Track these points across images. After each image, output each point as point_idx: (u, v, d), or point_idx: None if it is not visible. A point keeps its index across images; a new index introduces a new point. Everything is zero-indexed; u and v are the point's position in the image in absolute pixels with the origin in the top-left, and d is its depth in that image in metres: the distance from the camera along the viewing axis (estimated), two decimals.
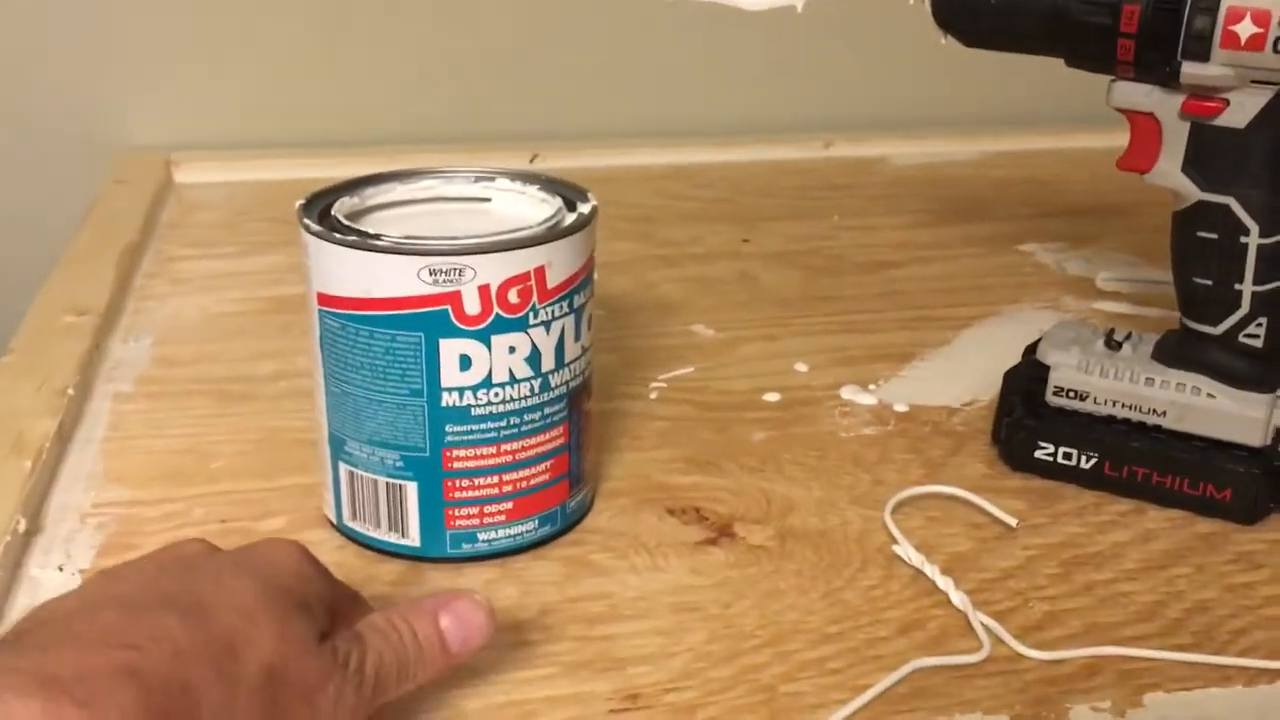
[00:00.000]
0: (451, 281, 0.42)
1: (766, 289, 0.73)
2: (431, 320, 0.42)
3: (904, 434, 0.56)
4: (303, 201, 0.46)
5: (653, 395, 0.59)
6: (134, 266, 0.73)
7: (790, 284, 0.74)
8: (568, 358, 0.45)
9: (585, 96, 1.00)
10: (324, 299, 0.44)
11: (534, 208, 0.47)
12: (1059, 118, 1.03)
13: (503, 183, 0.48)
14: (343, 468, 0.46)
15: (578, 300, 0.44)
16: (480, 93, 0.99)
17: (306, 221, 0.44)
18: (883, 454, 0.54)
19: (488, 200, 0.48)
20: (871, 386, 0.60)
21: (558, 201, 0.46)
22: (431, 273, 0.41)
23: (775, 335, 0.66)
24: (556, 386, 0.44)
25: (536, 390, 0.44)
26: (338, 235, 0.43)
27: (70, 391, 0.56)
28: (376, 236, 0.43)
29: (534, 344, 0.43)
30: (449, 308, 0.42)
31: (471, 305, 0.42)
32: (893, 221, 0.85)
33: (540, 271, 0.43)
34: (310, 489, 0.49)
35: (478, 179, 0.49)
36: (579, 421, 0.46)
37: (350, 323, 0.43)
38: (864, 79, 1.03)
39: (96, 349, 0.62)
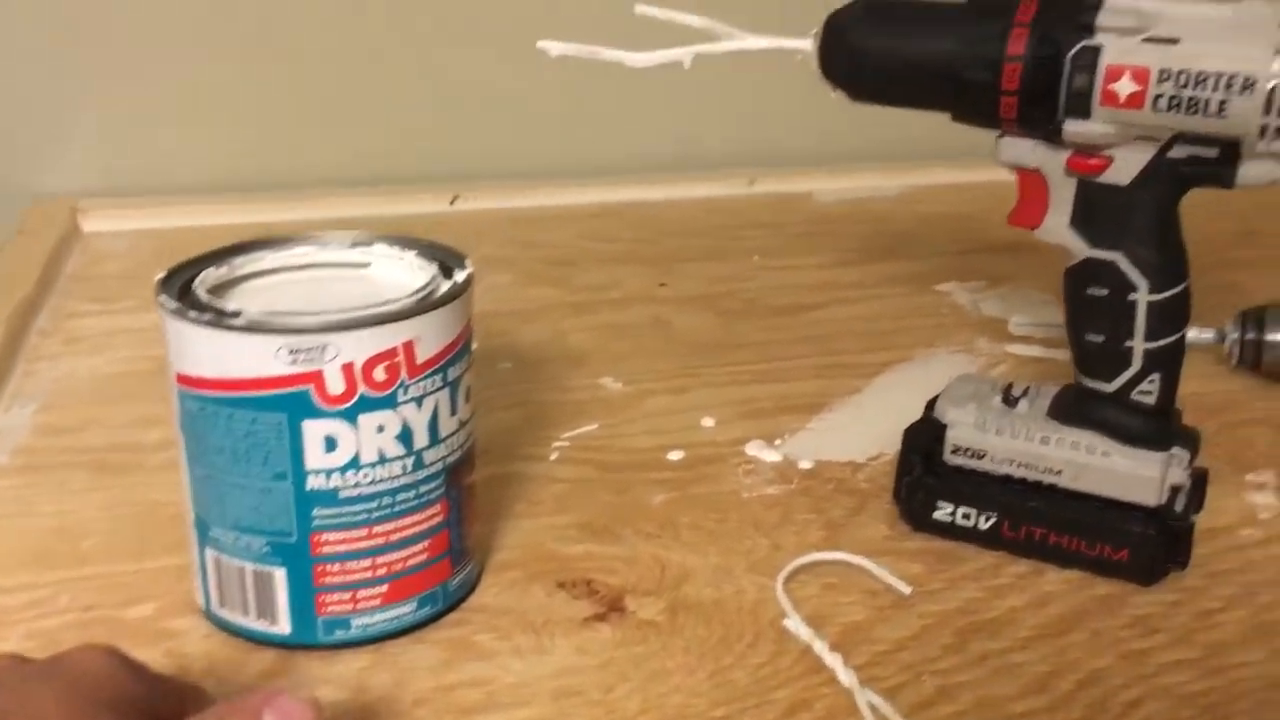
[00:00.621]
0: (313, 360, 0.40)
1: (679, 336, 0.72)
2: (293, 401, 0.41)
3: (807, 493, 0.55)
4: (162, 275, 0.44)
5: (554, 456, 0.58)
6: (27, 324, 0.71)
7: (704, 329, 0.73)
8: (443, 433, 0.43)
9: (508, 135, 0.99)
10: (183, 379, 0.43)
11: (411, 275, 0.46)
12: (981, 152, 1.03)
13: (380, 248, 0.47)
14: (209, 553, 0.44)
15: (452, 373, 0.43)
16: (399, 133, 0.97)
17: (161, 299, 0.43)
18: (784, 515, 0.53)
19: (366, 265, 0.47)
20: (777, 441, 0.59)
21: (433, 268, 0.45)
22: (291, 352, 0.40)
23: (684, 387, 0.65)
24: (432, 464, 0.43)
25: (409, 469, 0.42)
26: (192, 314, 0.41)
27: None
28: (234, 314, 0.41)
29: (405, 422, 0.42)
30: (311, 388, 0.40)
31: (335, 384, 0.40)
32: (815, 260, 0.84)
33: (409, 346, 0.41)
34: (184, 570, 0.47)
35: (354, 244, 0.47)
36: (459, 497, 0.45)
37: (209, 404, 0.42)
38: (789, 114, 1.03)
39: None
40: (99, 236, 0.87)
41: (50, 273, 0.78)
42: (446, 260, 0.46)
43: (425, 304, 0.42)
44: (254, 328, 0.40)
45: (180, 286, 0.44)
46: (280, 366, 0.40)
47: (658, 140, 1.02)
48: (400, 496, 0.43)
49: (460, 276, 0.44)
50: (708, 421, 0.61)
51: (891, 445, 0.58)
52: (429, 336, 0.42)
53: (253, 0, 0.91)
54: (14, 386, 0.64)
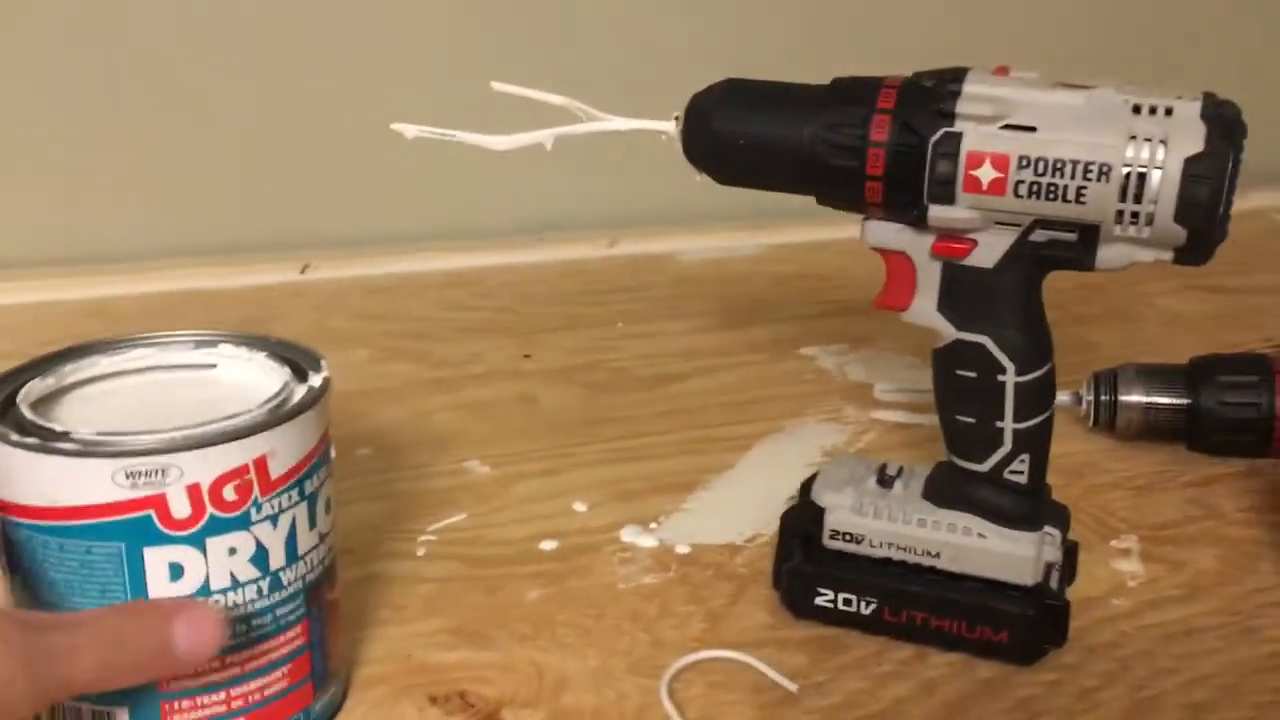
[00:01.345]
0: (153, 484, 0.37)
1: (546, 413, 0.70)
2: (132, 528, 0.37)
3: (685, 580, 0.53)
4: None
5: (420, 552, 0.55)
6: None
7: (571, 405, 0.71)
8: (302, 550, 0.40)
9: (358, 199, 0.96)
10: (5, 507, 0.39)
11: (262, 378, 0.43)
12: (832, 212, 1.04)
13: (226, 349, 0.44)
14: None
15: (310, 485, 0.40)
16: (243, 200, 0.93)
17: None
18: (663, 607, 0.51)
19: (212, 367, 0.44)
20: (653, 525, 0.58)
21: (285, 371, 0.42)
22: (129, 475, 0.37)
23: (555, 469, 0.63)
24: (290, 584, 0.40)
25: (265, 592, 0.40)
26: (15, 436, 0.38)
27: None
28: (62, 436, 0.38)
29: (259, 542, 0.39)
30: (152, 512, 0.37)
31: (179, 508, 0.37)
32: (678, 326, 0.84)
33: (261, 462, 0.38)
34: None
35: (198, 345, 0.44)
36: (321, 614, 0.42)
37: (38, 534, 0.38)
38: (647, 172, 1.02)
39: None
40: None
41: None
42: (300, 361, 0.43)
43: (278, 414, 0.39)
44: (86, 451, 0.37)
45: (1, 402, 0.40)
46: (117, 492, 0.37)
47: (514, 202, 1.00)
48: (256, 622, 0.40)
49: (316, 380, 0.41)
50: (580, 506, 0.59)
51: (767, 525, 0.58)
52: (284, 450, 0.39)
53: (91, 61, 0.86)
54: None
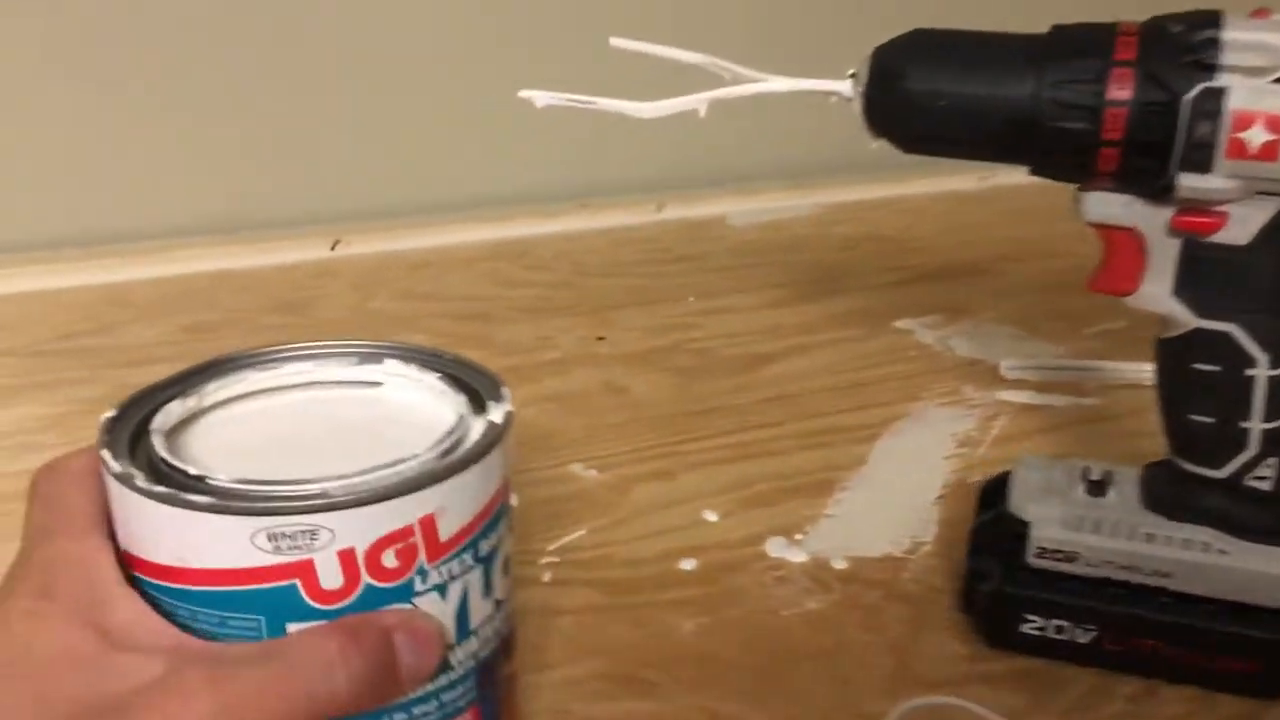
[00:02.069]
0: (300, 548, 0.30)
1: (640, 404, 0.63)
2: (274, 599, 0.30)
3: (853, 602, 0.47)
4: (112, 414, 0.33)
5: (546, 577, 0.48)
6: None
7: (663, 394, 0.64)
8: (474, 622, 0.33)
9: (384, 169, 0.88)
10: (134, 562, 0.31)
11: (432, 406, 0.35)
12: (885, 164, 0.98)
13: (393, 365, 0.37)
14: None
15: (485, 545, 0.33)
16: (271, 174, 0.85)
17: (105, 456, 0.31)
18: (837, 639, 0.45)
19: (378, 385, 0.37)
20: (798, 536, 0.51)
21: (460, 400, 0.35)
22: (271, 537, 0.29)
23: (668, 470, 0.56)
24: (460, 664, 0.33)
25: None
26: (140, 482, 0.30)
27: None
28: (196, 482, 0.30)
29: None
30: (297, 582, 0.30)
31: (330, 577, 0.30)
32: (751, 300, 0.77)
33: (429, 522, 0.31)
34: None
35: (362, 359, 0.37)
36: (495, 695, 0.35)
37: (165, 596, 0.31)
38: (689, 131, 0.95)
39: None
40: None
41: None
42: (477, 386, 0.35)
43: (452, 461, 0.32)
44: (223, 506, 0.30)
45: (134, 429, 0.33)
46: (257, 556, 0.30)
47: (548, 167, 0.92)
48: (417, 710, 0.32)
49: (497, 414, 0.34)
50: (710, 515, 0.53)
51: (925, 529, 0.52)
52: (457, 505, 0.32)
53: (106, 34, 0.77)
54: None
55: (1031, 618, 0.43)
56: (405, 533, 0.31)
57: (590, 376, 0.66)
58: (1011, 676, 0.43)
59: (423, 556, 0.31)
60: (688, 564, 0.49)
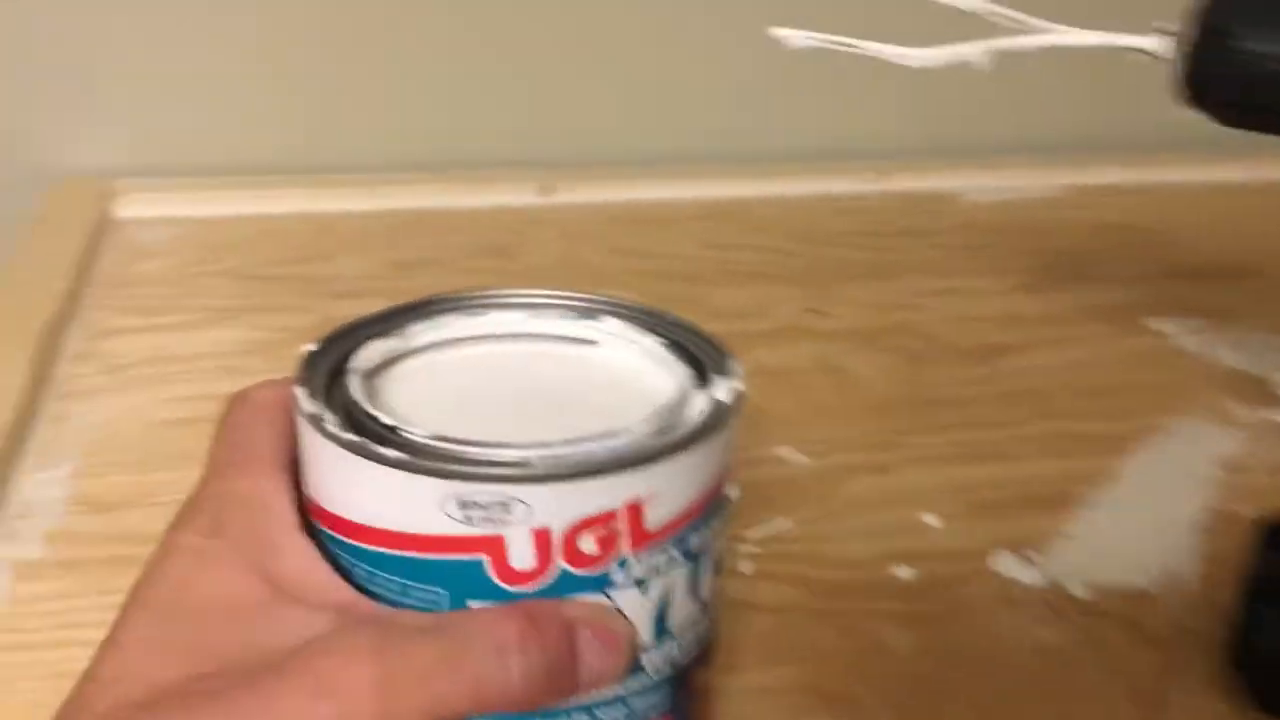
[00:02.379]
0: (492, 521, 0.26)
1: (858, 386, 0.58)
2: (458, 573, 0.27)
3: (1094, 640, 0.41)
4: (312, 348, 0.31)
5: (746, 569, 0.44)
6: (56, 350, 0.57)
7: (886, 378, 0.59)
8: (675, 625, 0.29)
9: (607, 116, 0.85)
10: (315, 511, 0.29)
11: (651, 374, 0.32)
12: (1139, 143, 0.88)
13: (611, 324, 0.33)
14: None
15: (697, 541, 0.29)
16: (478, 109, 0.83)
17: (298, 393, 0.29)
18: (1073, 679, 0.39)
19: (593, 344, 0.33)
20: (1032, 554, 0.45)
21: (681, 370, 0.31)
22: (462, 505, 0.26)
23: (886, 464, 0.51)
24: (655, 670, 0.29)
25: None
26: (328, 425, 0.28)
27: None
28: (387, 433, 0.27)
29: (620, 611, 0.28)
30: (485, 558, 0.27)
31: (521, 556, 0.27)
32: (987, 284, 0.70)
33: (635, 508, 0.27)
34: None
35: (580, 313, 0.33)
36: (688, 705, 0.31)
37: (345, 554, 0.28)
38: (916, 94, 0.88)
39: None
40: (136, 225, 0.73)
41: (80, 276, 0.64)
42: (701, 356, 0.31)
43: (669, 443, 0.28)
44: (413, 464, 0.26)
45: (332, 367, 0.30)
46: (445, 523, 0.26)
47: (779, 123, 0.87)
48: (602, 714, 0.29)
49: (723, 391, 0.30)
50: (931, 519, 0.48)
51: (1182, 564, 0.45)
52: (668, 492, 0.28)
53: None
54: (42, 437, 0.51)
55: None
56: (608, 517, 0.27)
57: (805, 352, 0.61)
58: None
59: (625, 545, 0.27)
60: (904, 572, 0.44)
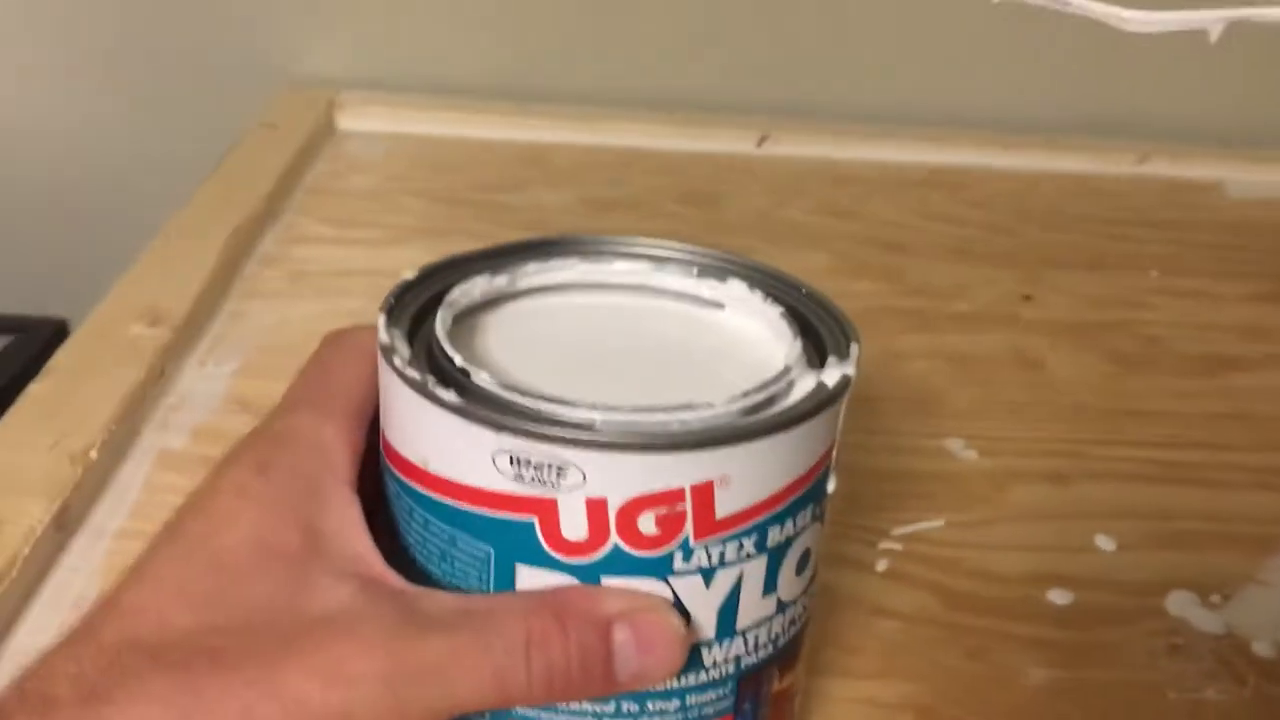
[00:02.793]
0: (543, 482, 0.24)
1: (1054, 385, 0.53)
2: (507, 533, 0.25)
3: (1271, 708, 0.36)
4: (409, 277, 0.30)
5: (880, 565, 0.41)
6: (247, 250, 0.59)
7: (1088, 379, 0.53)
8: (743, 623, 0.26)
9: (830, 65, 0.80)
10: (385, 448, 0.28)
11: (770, 341, 0.29)
12: None
13: (735, 286, 0.30)
14: None
15: (778, 534, 0.26)
16: (703, 48, 0.80)
17: (380, 321, 0.28)
18: None
19: (719, 308, 0.31)
20: (1214, 599, 0.40)
21: (798, 345, 0.28)
22: (514, 462, 0.24)
23: (1067, 473, 0.46)
24: (716, 665, 0.27)
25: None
26: (398, 359, 0.26)
27: (93, 455, 0.42)
28: (456, 375, 0.26)
29: (678, 600, 0.25)
30: (535, 520, 0.25)
31: (572, 525, 0.24)
32: (1233, 289, 0.63)
33: (704, 491, 0.24)
34: None
35: (703, 271, 0.31)
36: (758, 710, 0.28)
37: (406, 496, 0.27)
38: (1193, 76, 0.79)
39: (160, 377, 0.48)
40: (353, 138, 0.74)
41: (288, 181, 0.66)
42: (822, 330, 0.28)
43: (754, 424, 0.25)
44: (469, 411, 0.24)
45: (426, 300, 0.29)
46: (495, 478, 0.24)
47: (1016, 93, 0.81)
48: (653, 706, 0.26)
49: (832, 374, 0.27)
50: (1104, 542, 0.42)
51: None
52: (746, 477, 0.25)
53: None
54: (216, 332, 0.52)
55: None
56: (673, 496, 0.24)
57: (1003, 340, 0.56)
58: None
59: (689, 529, 0.25)
60: (1059, 596, 0.40)
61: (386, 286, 0.59)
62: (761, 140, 0.77)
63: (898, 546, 0.41)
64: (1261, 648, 0.38)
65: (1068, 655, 0.37)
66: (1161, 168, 0.77)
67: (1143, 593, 0.40)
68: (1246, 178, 0.77)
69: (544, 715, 0.26)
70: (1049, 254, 0.65)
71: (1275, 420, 0.51)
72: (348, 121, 0.75)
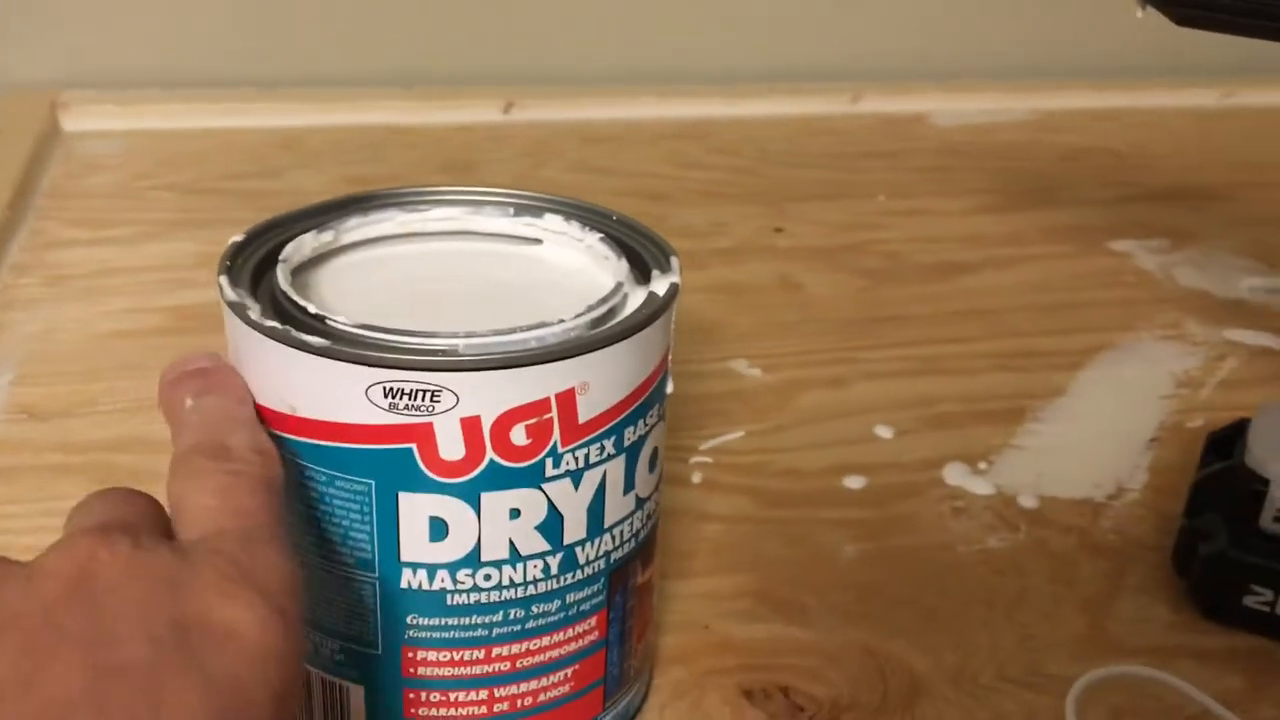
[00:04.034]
0: (418, 410, 0.26)
1: (816, 303, 0.58)
2: (386, 463, 0.26)
3: (1041, 548, 0.41)
4: (239, 239, 0.30)
5: (696, 478, 0.44)
6: None
7: (844, 295, 0.58)
8: (610, 519, 0.29)
9: (570, 34, 0.83)
10: None
11: (594, 267, 0.31)
12: (1127, 70, 0.88)
13: (554, 221, 0.32)
14: None
15: (632, 433, 0.29)
16: (444, 24, 0.81)
17: (221, 282, 0.28)
18: (1021, 586, 0.39)
19: (536, 243, 0.32)
20: (982, 465, 0.45)
21: (622, 265, 0.30)
22: (387, 393, 0.26)
23: (840, 377, 0.51)
24: (589, 562, 0.29)
25: (553, 571, 0.28)
26: (253, 315, 0.27)
27: None
28: (313, 321, 0.27)
29: (552, 505, 0.28)
30: (414, 447, 0.26)
31: (449, 447, 0.26)
32: (951, 205, 0.70)
33: (568, 398, 0.27)
34: None
35: (519, 210, 0.33)
36: (626, 603, 0.31)
37: (276, 442, 0.28)
38: (893, 18, 0.87)
39: None
40: (84, 139, 0.71)
41: (24, 187, 0.63)
42: (643, 252, 0.31)
43: (602, 334, 0.27)
44: (336, 351, 0.26)
45: (261, 259, 0.29)
46: (371, 412, 0.26)
47: (741, 47, 0.86)
48: (536, 608, 0.29)
49: (661, 285, 0.29)
50: (883, 430, 0.47)
51: (1130, 476, 0.45)
52: (602, 382, 0.27)
53: None
54: None
55: (1260, 590, 0.36)
56: (539, 407, 0.26)
57: (764, 269, 0.60)
58: (1227, 654, 0.37)
59: (557, 437, 0.27)
60: (854, 482, 0.44)
61: (154, 282, 0.58)
62: (508, 107, 0.79)
63: (708, 459, 0.45)
64: (1026, 500, 0.43)
65: (871, 530, 0.42)
66: (875, 104, 0.84)
67: (923, 469, 0.45)
68: (950, 107, 0.85)
69: (444, 621, 0.28)
70: (791, 190, 0.70)
71: (1002, 312, 0.57)
72: (74, 122, 0.72)
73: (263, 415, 0.27)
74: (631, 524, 0.29)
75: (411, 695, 0.29)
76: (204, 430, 0.26)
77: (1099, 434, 0.48)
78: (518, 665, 0.29)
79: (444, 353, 0.26)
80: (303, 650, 0.23)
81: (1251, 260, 0.64)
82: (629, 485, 0.29)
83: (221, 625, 0.21)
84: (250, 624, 0.22)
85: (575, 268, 0.31)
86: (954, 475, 0.45)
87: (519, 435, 0.26)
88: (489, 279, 0.31)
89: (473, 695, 0.29)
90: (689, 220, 0.65)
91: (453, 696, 0.29)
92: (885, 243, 0.64)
